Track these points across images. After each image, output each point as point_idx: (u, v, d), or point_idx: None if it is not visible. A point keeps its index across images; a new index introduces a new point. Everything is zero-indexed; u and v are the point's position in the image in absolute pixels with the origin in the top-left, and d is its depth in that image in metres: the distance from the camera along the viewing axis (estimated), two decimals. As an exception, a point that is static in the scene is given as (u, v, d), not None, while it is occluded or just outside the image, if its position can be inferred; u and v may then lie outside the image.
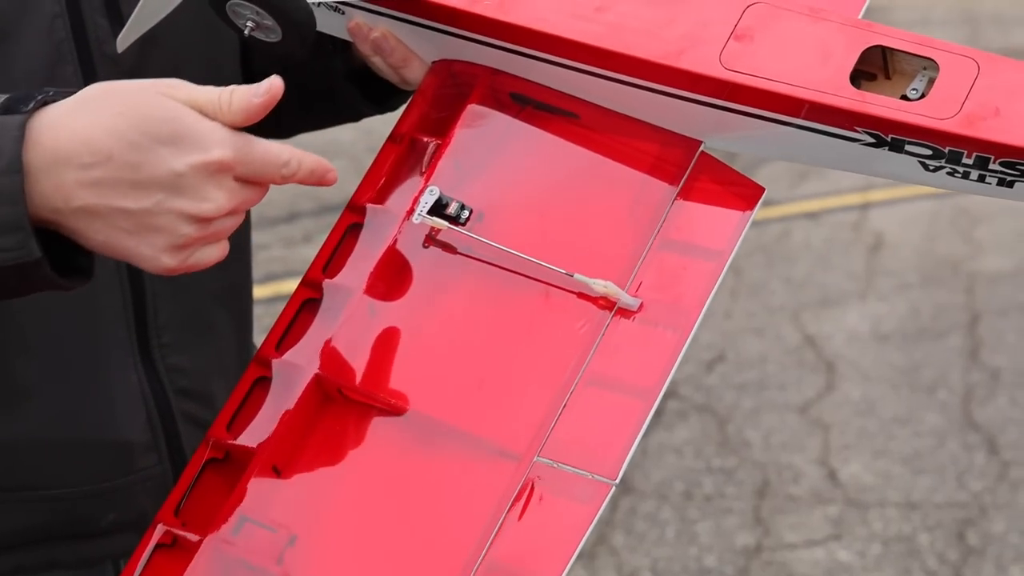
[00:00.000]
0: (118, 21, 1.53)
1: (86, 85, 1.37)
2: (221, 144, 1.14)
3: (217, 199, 1.14)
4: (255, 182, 1.20)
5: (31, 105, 1.15)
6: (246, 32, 1.38)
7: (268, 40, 1.38)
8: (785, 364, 6.21)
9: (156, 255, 1.18)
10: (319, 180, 1.26)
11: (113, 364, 1.58)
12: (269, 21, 1.35)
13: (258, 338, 1.62)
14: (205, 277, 1.49)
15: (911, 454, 5.25)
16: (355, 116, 1.87)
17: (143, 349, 1.60)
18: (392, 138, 1.46)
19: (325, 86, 1.78)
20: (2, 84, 1.37)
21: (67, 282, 1.19)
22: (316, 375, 1.30)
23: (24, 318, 1.51)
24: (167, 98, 1.15)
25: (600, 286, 1.25)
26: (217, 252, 1.23)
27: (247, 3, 1.34)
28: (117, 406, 1.59)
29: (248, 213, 1.58)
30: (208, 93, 1.18)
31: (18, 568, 1.56)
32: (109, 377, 1.58)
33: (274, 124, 1.57)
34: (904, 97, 1.30)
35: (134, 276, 1.57)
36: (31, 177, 1.12)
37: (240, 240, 1.77)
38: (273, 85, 1.17)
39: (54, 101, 1.17)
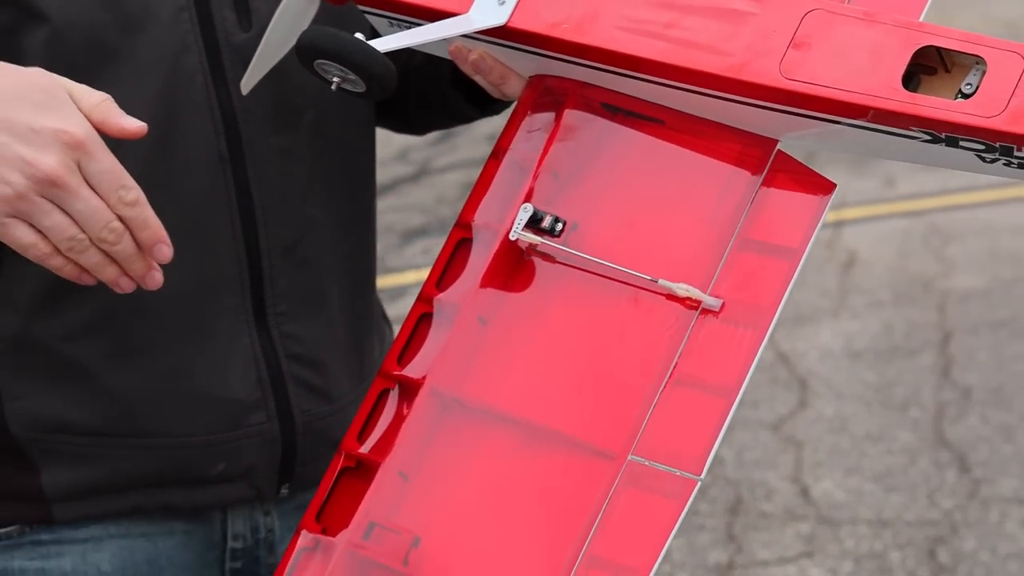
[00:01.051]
0: (245, 14, 1.61)
1: (213, 74, 1.59)
2: (78, 125, 1.24)
3: (53, 162, 1.22)
4: (93, 187, 1.25)
5: None
6: (334, 86, 1.45)
7: (355, 91, 1.46)
8: (758, 381, 5.92)
9: None
10: (147, 240, 1.32)
11: (227, 327, 1.64)
12: (352, 76, 1.42)
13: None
14: (323, 252, 1.72)
15: (883, 471, 5.27)
16: (466, 119, 1.90)
17: (258, 316, 1.65)
18: (494, 154, 1.51)
19: (439, 91, 1.81)
20: (130, 72, 1.52)
21: None
22: (432, 386, 1.35)
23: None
24: (52, 76, 1.28)
25: (683, 290, 1.30)
26: (109, 271, 1.31)
27: (332, 62, 1.41)
28: (229, 366, 1.64)
29: (372, 190, 1.92)
30: (84, 88, 1.29)
31: (136, 509, 1.62)
32: (222, 339, 1.64)
33: (405, 120, 2.02)
34: (960, 92, 1.33)
35: (251, 248, 1.64)
36: None
37: (362, 218, 1.87)
38: (136, 129, 1.30)
39: None
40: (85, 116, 1.26)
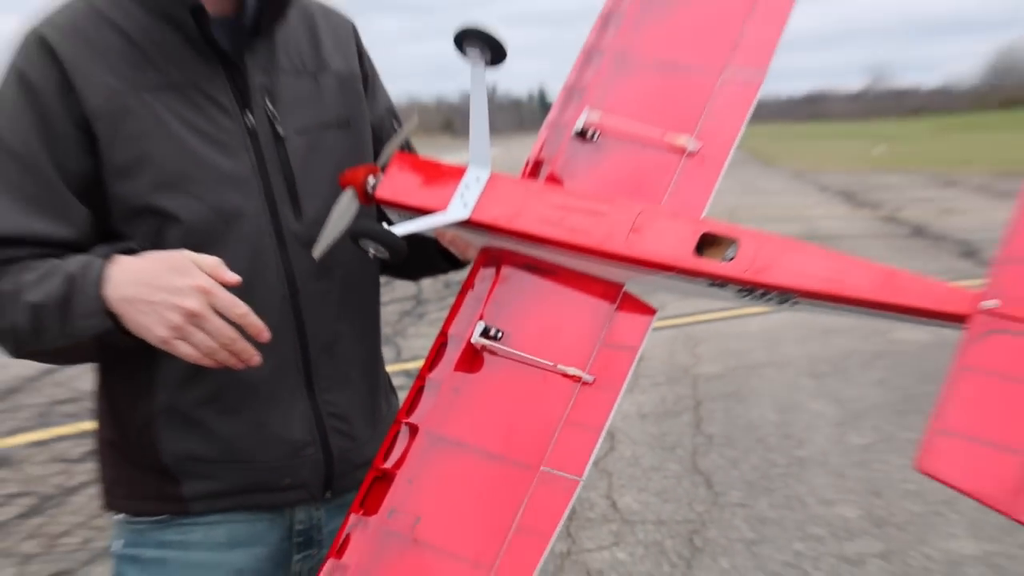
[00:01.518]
0: (298, 211, 1.77)
1: (279, 248, 1.74)
2: (203, 279, 1.46)
3: (194, 304, 1.45)
4: (222, 313, 1.47)
5: (111, 251, 1.56)
6: (370, 254, 1.63)
7: (381, 256, 1.64)
8: None
9: (153, 327, 1.48)
10: (254, 333, 1.53)
11: (291, 397, 1.78)
12: (382, 249, 1.60)
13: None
14: (348, 350, 1.86)
15: (661, 490, 5.62)
16: (443, 271, 2.02)
17: (309, 390, 1.80)
18: (461, 292, 1.68)
19: (427, 255, 1.88)
20: (231, 247, 1.68)
21: (121, 339, 1.54)
22: (426, 428, 1.55)
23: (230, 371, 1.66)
24: (180, 252, 1.50)
25: (571, 370, 1.53)
26: (206, 343, 1.48)
27: (371, 241, 1.59)
28: (293, 419, 1.78)
29: (378, 312, 2.02)
30: (202, 256, 1.50)
31: (239, 505, 1.77)
32: (288, 404, 1.78)
33: (405, 273, 2.14)
34: (726, 257, 1.54)
35: (304, 350, 1.79)
36: (109, 281, 1.50)
37: (372, 329, 2.00)
38: (235, 281, 1.50)
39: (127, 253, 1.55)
40: (207, 274, 1.46)
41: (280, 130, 1.73)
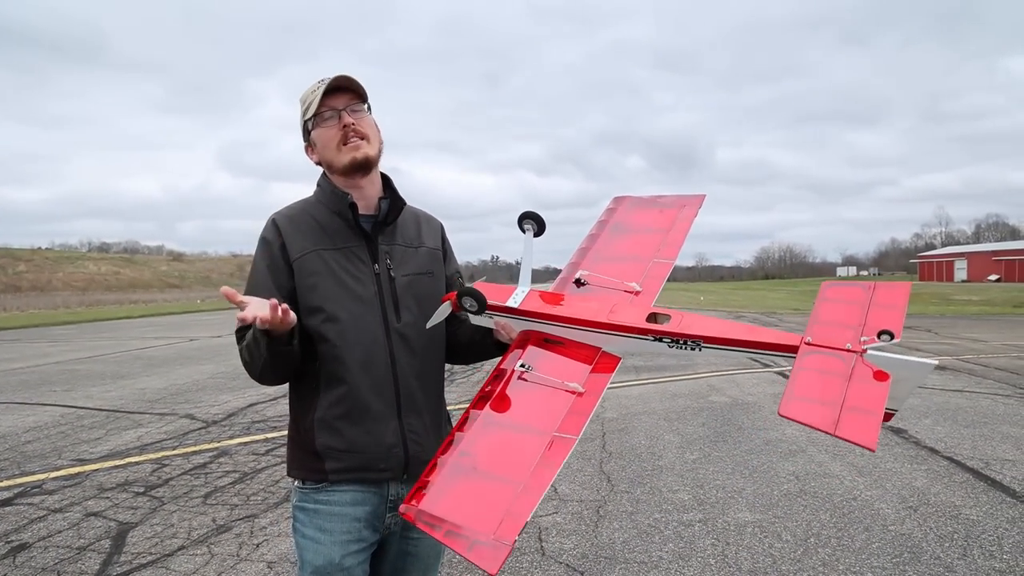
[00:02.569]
0: (397, 313, 1.78)
1: (387, 335, 1.75)
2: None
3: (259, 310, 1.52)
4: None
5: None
6: (467, 307, 1.63)
7: (471, 309, 1.64)
8: None
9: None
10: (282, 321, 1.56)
11: (388, 418, 1.76)
12: (474, 303, 1.61)
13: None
14: (422, 396, 1.80)
15: (582, 482, 5.22)
16: (492, 356, 1.87)
17: (398, 415, 1.77)
18: (508, 351, 1.66)
19: (485, 346, 1.86)
20: (353, 335, 1.73)
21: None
22: (484, 415, 1.49)
23: (355, 401, 1.72)
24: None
25: (573, 385, 1.51)
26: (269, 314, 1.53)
27: (468, 297, 1.61)
28: (389, 432, 1.75)
29: (442, 374, 1.90)
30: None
31: (357, 479, 1.74)
32: (386, 422, 1.75)
33: (465, 358, 1.98)
34: (663, 323, 1.55)
35: (397, 392, 1.76)
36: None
37: (439, 379, 1.90)
38: (282, 310, 1.53)
39: None
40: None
41: (393, 274, 1.81)
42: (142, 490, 5.25)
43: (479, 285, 1.73)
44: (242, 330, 1.71)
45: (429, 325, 1.74)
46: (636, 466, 5.78)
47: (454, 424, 1.59)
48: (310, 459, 1.77)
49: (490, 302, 1.67)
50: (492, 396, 1.54)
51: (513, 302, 1.69)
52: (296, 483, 1.82)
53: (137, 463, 5.97)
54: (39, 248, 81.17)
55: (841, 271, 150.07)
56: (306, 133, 1.83)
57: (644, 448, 6.31)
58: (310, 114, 1.77)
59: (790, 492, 4.98)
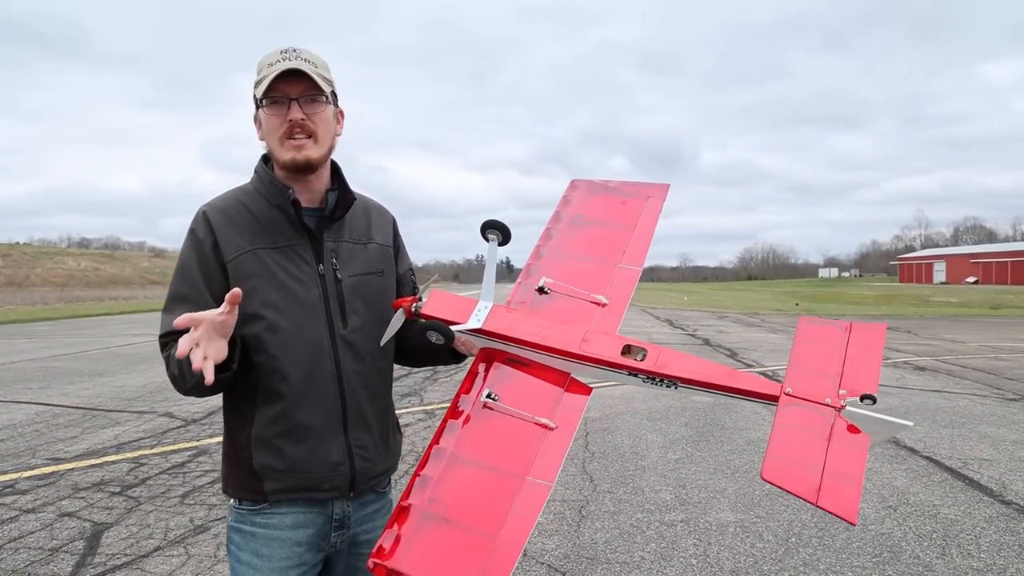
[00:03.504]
0: (343, 319, 1.64)
1: (333, 352, 1.60)
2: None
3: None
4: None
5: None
6: (432, 340, 1.52)
7: (438, 342, 1.53)
8: None
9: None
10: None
11: (334, 434, 1.62)
12: (442, 337, 1.51)
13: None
14: (370, 408, 1.68)
15: (564, 482, 5.19)
16: (447, 363, 1.75)
17: (344, 430, 1.64)
18: (469, 374, 1.55)
19: (440, 353, 1.68)
20: (294, 344, 1.57)
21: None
22: (449, 451, 1.41)
23: (297, 417, 1.59)
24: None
25: (544, 420, 1.44)
26: (215, 352, 1.35)
27: (435, 332, 1.51)
28: (335, 448, 1.62)
29: (388, 376, 1.76)
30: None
31: (298, 499, 1.62)
32: (331, 438, 1.62)
33: (415, 362, 1.84)
34: (637, 359, 1.49)
35: (343, 406, 1.63)
36: None
37: (387, 392, 1.77)
38: (231, 297, 1.36)
39: None
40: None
41: (339, 275, 1.66)
42: (118, 490, 5.17)
43: (436, 296, 1.65)
44: (168, 335, 1.58)
45: (383, 342, 1.64)
46: (619, 466, 5.78)
47: (434, 429, 1.56)
48: (247, 478, 1.63)
49: (449, 321, 1.59)
50: (458, 429, 1.46)
51: (476, 320, 1.59)
52: (232, 502, 1.68)
53: (114, 462, 5.89)
54: (17, 243, 79.25)
55: (823, 272, 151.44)
56: (256, 106, 1.64)
57: (627, 448, 6.30)
58: (259, 92, 1.58)
59: (772, 492, 4.97)
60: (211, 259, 1.59)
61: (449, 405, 1.50)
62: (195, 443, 6.57)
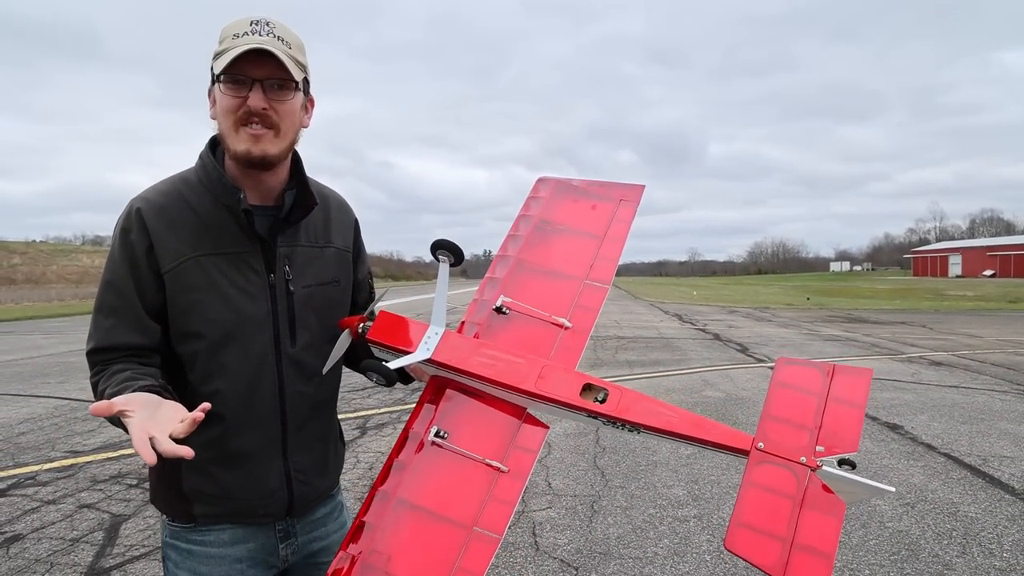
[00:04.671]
0: (292, 338, 1.49)
1: (276, 360, 1.46)
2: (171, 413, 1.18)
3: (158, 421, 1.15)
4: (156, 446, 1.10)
5: (137, 386, 1.25)
6: (373, 381, 1.45)
7: (380, 384, 1.45)
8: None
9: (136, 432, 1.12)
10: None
11: (271, 459, 1.51)
12: (383, 380, 1.43)
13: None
14: (314, 429, 1.57)
15: (576, 477, 5.22)
16: (394, 384, 1.51)
17: (284, 455, 1.53)
18: (418, 404, 1.45)
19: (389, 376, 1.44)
20: (240, 360, 1.43)
21: None
22: (395, 496, 1.33)
23: (233, 442, 1.47)
24: (167, 402, 1.21)
25: (495, 463, 1.35)
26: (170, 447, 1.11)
27: (375, 373, 1.42)
28: (272, 473, 1.51)
29: (335, 392, 1.65)
30: (176, 409, 1.20)
31: (232, 523, 1.51)
32: (268, 462, 1.51)
33: (357, 369, 1.62)
34: (598, 399, 1.38)
35: (284, 428, 1.52)
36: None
37: (334, 387, 1.65)
38: (195, 419, 1.16)
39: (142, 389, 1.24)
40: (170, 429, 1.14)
41: (291, 287, 1.49)
42: (135, 482, 5.21)
43: (383, 319, 1.51)
44: (98, 353, 1.41)
45: (326, 369, 1.51)
46: (630, 461, 5.75)
47: (345, 443, 1.47)
48: (175, 499, 1.51)
49: (397, 347, 1.49)
50: (404, 470, 1.37)
51: (425, 350, 1.46)
52: (165, 517, 1.55)
53: (131, 455, 5.88)
54: (33, 241, 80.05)
55: (835, 266, 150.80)
56: (213, 81, 1.42)
57: (638, 443, 6.25)
58: (219, 67, 1.36)
59: (786, 488, 5.00)
60: (145, 267, 1.40)
61: (397, 437, 1.42)
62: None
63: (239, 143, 1.39)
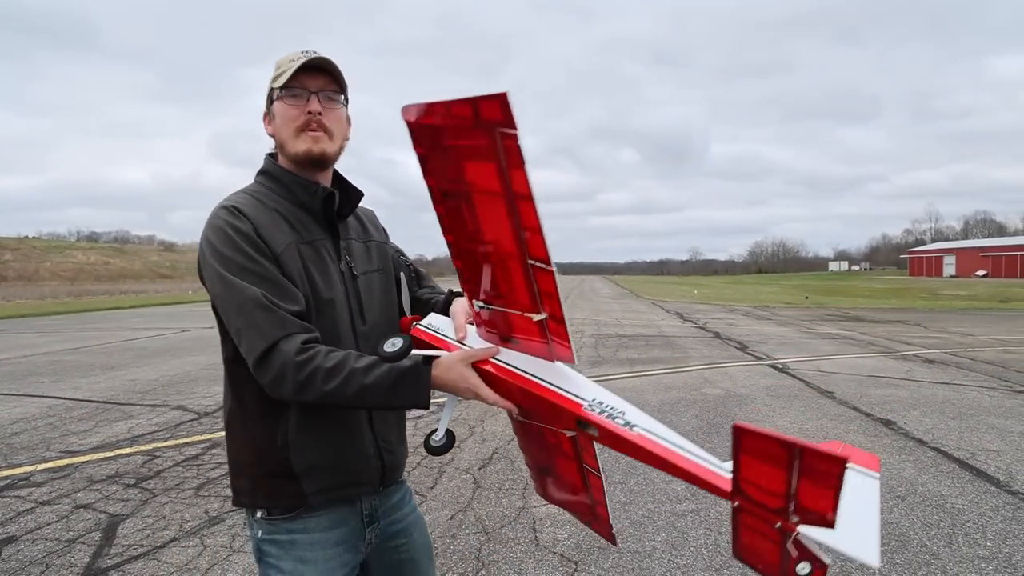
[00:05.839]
0: (361, 317, 1.66)
1: (356, 345, 1.61)
2: (479, 381, 1.44)
3: (478, 387, 1.43)
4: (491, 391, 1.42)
5: (422, 360, 1.45)
6: (432, 446, 1.56)
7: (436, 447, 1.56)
8: None
9: (462, 395, 1.46)
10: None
11: (360, 430, 1.65)
12: (445, 448, 1.56)
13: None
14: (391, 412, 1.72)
15: None
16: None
17: (371, 426, 1.68)
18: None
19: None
20: (326, 338, 1.54)
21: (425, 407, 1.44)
22: None
23: (333, 412, 1.59)
24: (466, 365, 1.44)
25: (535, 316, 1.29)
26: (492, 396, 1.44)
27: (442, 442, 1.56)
28: (365, 443, 1.66)
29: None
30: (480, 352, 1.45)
31: (332, 500, 1.62)
32: (361, 433, 1.65)
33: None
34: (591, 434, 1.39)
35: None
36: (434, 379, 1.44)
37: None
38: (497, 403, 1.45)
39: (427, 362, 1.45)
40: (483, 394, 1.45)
41: (355, 272, 1.70)
42: (133, 482, 5.21)
43: (418, 332, 1.63)
44: (285, 336, 1.45)
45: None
46: (629, 458, 5.82)
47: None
48: (283, 484, 1.58)
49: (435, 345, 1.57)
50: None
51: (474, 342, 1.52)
52: (259, 514, 1.62)
53: (128, 455, 5.91)
54: (26, 237, 79.57)
55: (833, 266, 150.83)
56: (269, 101, 1.64)
57: (636, 439, 6.37)
58: (279, 84, 1.58)
59: (781, 483, 5.06)
60: (265, 249, 1.51)
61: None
62: (208, 436, 6.62)
63: (300, 144, 1.60)
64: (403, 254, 1.90)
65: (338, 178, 1.73)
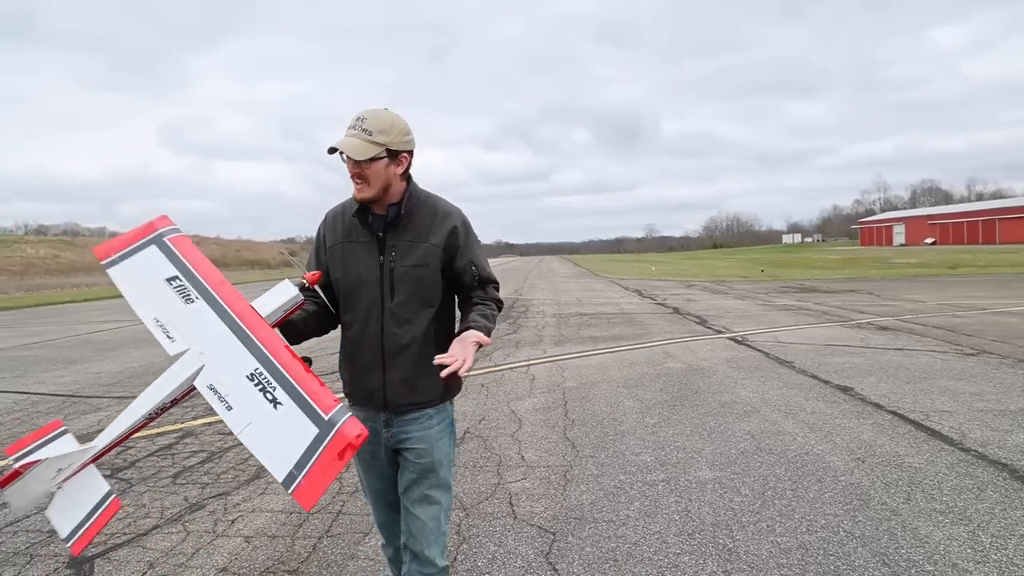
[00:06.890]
0: (391, 291, 2.18)
1: (381, 317, 2.19)
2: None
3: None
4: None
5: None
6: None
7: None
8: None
9: None
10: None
11: (374, 369, 2.19)
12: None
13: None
14: (402, 351, 2.19)
15: (547, 449, 5.30)
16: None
17: (383, 368, 2.19)
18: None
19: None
20: (359, 306, 2.21)
21: None
22: None
23: (356, 355, 2.22)
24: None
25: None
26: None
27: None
28: (374, 380, 2.20)
29: (424, 338, 2.21)
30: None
31: (355, 406, 2.25)
32: (372, 372, 2.20)
33: (317, 332, 2.31)
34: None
35: (383, 354, 2.18)
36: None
37: (421, 334, 2.22)
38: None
39: None
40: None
41: (394, 265, 2.17)
42: (108, 473, 5.13)
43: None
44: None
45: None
46: (599, 432, 5.86)
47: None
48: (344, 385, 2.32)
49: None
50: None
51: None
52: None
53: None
54: (-31, 232, 77.08)
55: (787, 238, 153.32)
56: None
57: (605, 414, 6.37)
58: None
59: (747, 450, 5.11)
60: (321, 245, 2.32)
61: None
62: (179, 425, 6.54)
63: (353, 191, 2.18)
64: (475, 264, 2.27)
65: (409, 196, 2.21)
